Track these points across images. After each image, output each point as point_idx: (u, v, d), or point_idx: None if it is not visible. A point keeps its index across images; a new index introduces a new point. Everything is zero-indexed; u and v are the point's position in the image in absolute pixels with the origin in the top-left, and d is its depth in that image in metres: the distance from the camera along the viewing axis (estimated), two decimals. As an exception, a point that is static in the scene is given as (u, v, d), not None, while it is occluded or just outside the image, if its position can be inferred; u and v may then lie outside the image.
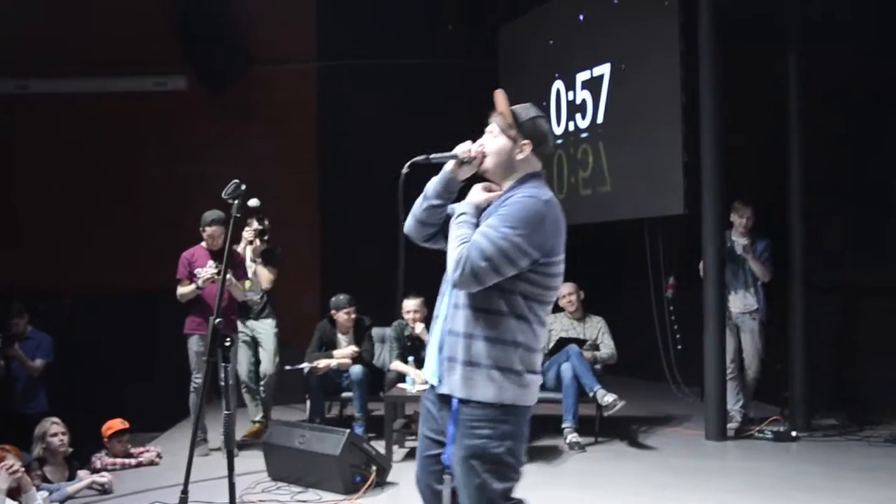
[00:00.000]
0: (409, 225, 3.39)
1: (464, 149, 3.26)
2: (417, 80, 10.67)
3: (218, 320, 3.69)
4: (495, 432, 3.10)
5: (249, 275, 7.56)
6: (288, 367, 7.55)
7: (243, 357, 7.67)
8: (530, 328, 3.15)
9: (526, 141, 3.21)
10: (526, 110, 3.28)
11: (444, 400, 3.22)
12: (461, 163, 3.25)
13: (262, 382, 7.72)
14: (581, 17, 9.43)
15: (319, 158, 11.21)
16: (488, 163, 3.25)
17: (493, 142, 3.26)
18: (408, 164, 3.24)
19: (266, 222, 7.58)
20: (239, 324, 7.56)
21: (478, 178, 3.35)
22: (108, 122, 10.94)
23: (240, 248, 7.51)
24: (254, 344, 7.75)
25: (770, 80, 7.83)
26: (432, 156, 3.25)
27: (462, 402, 3.14)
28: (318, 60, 11.18)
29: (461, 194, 3.36)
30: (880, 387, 7.87)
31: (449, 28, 11.17)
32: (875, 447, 7.09)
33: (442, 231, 3.35)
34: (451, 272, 3.11)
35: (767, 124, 7.97)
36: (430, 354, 3.27)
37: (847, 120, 8.02)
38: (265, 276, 7.68)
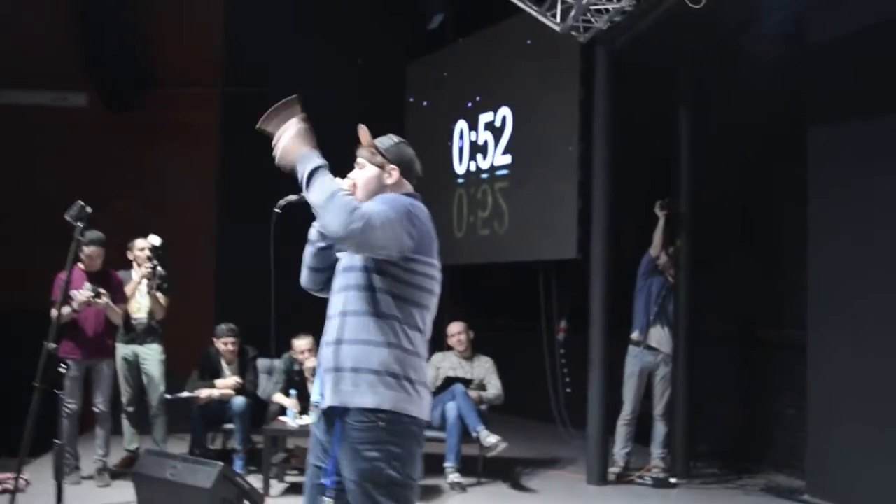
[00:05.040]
0: (303, 277, 3.36)
1: None
2: (323, 113, 10.52)
3: (52, 346, 3.52)
4: (383, 449, 2.97)
5: (148, 303, 7.33)
6: (169, 396, 7.32)
7: (124, 381, 7.41)
8: (402, 329, 3.05)
9: (393, 166, 3.25)
10: (389, 139, 3.34)
11: (329, 420, 3.10)
12: None
13: (151, 413, 7.37)
14: (486, 59, 9.53)
15: (220, 185, 11.05)
16: (360, 194, 3.22)
17: (361, 173, 3.28)
18: (280, 203, 3.25)
19: (160, 269, 7.26)
20: (120, 346, 7.34)
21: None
22: (3, 134, 10.63)
23: (135, 277, 7.27)
24: (136, 368, 7.42)
25: (664, 128, 7.98)
26: (304, 193, 3.11)
27: (343, 413, 3.01)
28: (223, 86, 11.05)
29: None
30: (760, 435, 8.02)
31: (359, 62, 11.16)
32: (750, 496, 7.21)
33: (332, 276, 3.28)
34: (341, 220, 2.90)
35: (659, 171, 8.13)
36: (318, 376, 3.18)
37: (737, 169, 8.23)
38: (164, 302, 7.39)
